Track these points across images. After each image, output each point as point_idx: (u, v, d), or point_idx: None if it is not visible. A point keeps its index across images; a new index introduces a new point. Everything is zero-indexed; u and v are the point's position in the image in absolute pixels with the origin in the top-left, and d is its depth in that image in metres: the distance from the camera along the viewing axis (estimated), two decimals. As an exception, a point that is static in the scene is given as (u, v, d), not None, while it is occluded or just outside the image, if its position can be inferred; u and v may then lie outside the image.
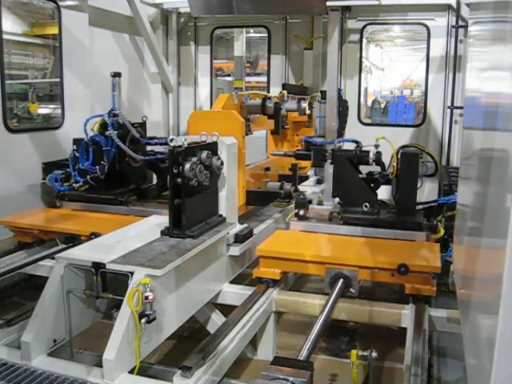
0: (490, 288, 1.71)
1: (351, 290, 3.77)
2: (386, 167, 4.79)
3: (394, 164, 4.57)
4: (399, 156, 4.57)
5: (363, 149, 4.80)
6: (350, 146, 5.00)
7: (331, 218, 4.80)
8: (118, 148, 5.22)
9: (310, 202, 5.31)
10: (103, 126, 5.30)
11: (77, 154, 5.36)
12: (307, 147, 5.56)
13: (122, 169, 5.52)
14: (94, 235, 4.31)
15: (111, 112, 5.33)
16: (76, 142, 5.45)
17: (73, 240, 4.61)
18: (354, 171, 4.76)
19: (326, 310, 3.42)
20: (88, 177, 5.36)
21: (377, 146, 4.67)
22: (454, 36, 7.26)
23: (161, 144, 5.49)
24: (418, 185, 4.58)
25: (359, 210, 4.69)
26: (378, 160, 4.71)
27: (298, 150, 5.93)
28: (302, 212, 4.88)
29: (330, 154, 4.92)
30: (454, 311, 3.56)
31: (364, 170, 4.86)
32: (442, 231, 4.49)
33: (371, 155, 4.66)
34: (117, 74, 5.63)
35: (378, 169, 4.87)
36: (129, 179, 5.73)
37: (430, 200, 4.99)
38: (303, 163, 6.49)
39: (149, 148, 5.63)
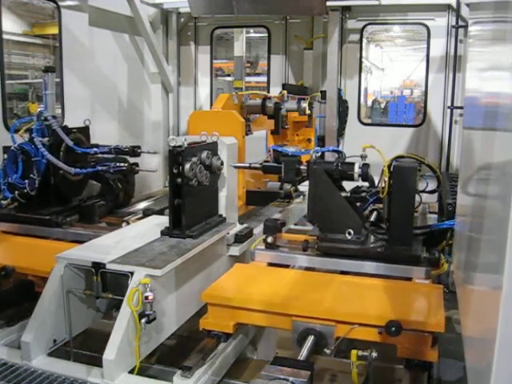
0: (490, 288, 1.71)
1: (326, 350, 2.97)
2: (377, 183, 3.95)
3: (386, 179, 3.70)
4: (392, 169, 3.71)
5: (347, 160, 3.96)
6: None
7: (306, 248, 3.96)
8: (52, 158, 4.42)
9: (284, 224, 4.34)
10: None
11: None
12: (277, 158, 4.38)
13: (57, 183, 4.65)
14: (4, 271, 3.65)
15: (41, 115, 4.53)
16: (5, 149, 4.56)
17: None
18: (335, 188, 3.84)
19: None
20: (16, 192, 4.50)
21: (363, 157, 3.86)
22: (454, 36, 7.25)
23: (102, 153, 4.80)
24: (416, 204, 3.78)
25: (341, 237, 3.78)
26: (365, 174, 3.84)
27: (265, 161, 4.68)
28: (270, 239, 4.00)
29: (305, 167, 4.03)
30: (454, 311, 3.56)
31: (351, 186, 4.14)
32: (446, 265, 3.64)
33: (356, 168, 3.80)
34: (49, 69, 4.78)
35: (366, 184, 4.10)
36: (68, 195, 4.86)
37: (431, 224, 4.16)
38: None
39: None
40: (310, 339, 2.99)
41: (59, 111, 6.64)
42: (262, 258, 4.00)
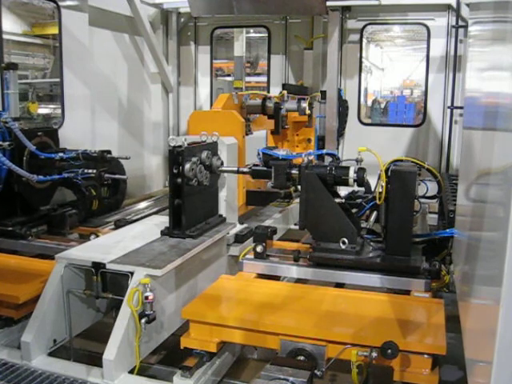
0: (490, 288, 1.71)
1: (316, 372, 2.72)
2: (373, 188, 3.75)
3: (383, 184, 3.48)
4: (390, 174, 3.49)
5: (342, 164, 3.74)
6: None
7: (297, 258, 3.75)
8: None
9: (275, 232, 4.11)
10: None
11: None
12: (266, 162, 4.18)
13: (21, 191, 4.32)
14: None
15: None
16: None
17: None
18: (328, 194, 3.60)
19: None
20: None
21: (359, 161, 3.63)
22: (454, 36, 7.25)
23: (69, 158, 4.40)
24: (415, 210, 3.55)
25: (335, 247, 3.56)
26: (361, 179, 3.60)
27: (254, 165, 4.35)
28: (259, 248, 3.79)
29: (296, 172, 3.76)
30: (454, 311, 3.56)
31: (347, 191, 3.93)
32: (448, 277, 3.45)
33: (351, 173, 3.58)
34: (10, 66, 4.51)
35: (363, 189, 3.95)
36: (34, 204, 4.49)
37: (431, 232, 3.97)
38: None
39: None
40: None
41: (59, 111, 6.66)
42: (251, 269, 3.76)
